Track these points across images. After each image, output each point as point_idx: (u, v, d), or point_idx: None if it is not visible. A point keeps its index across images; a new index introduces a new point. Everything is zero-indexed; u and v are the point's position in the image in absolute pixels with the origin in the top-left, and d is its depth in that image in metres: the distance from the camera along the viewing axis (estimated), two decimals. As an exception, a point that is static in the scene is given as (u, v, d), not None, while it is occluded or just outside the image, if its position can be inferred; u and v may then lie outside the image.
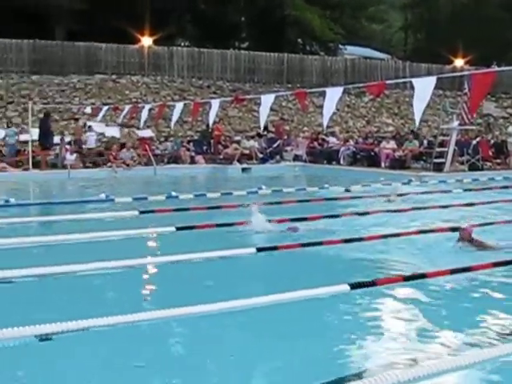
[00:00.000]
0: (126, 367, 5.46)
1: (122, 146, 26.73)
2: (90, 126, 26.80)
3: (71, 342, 5.88)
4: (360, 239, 10.68)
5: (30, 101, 27.58)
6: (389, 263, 9.16)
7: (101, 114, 24.84)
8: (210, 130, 28.84)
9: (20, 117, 28.65)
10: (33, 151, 24.03)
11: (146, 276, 9.03)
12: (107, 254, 9.15)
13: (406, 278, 8.04)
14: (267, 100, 16.64)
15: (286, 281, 8.10)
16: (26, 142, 24.75)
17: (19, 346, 5.76)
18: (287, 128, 32.28)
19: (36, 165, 23.97)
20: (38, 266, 8.22)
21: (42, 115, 26.15)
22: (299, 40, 47.93)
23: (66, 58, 33.18)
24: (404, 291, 7.71)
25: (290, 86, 36.84)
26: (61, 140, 25.24)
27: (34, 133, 24.54)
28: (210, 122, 21.02)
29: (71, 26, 37.61)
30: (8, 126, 26.87)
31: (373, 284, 7.66)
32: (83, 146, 26.26)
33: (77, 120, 28.97)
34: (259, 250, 9.55)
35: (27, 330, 5.87)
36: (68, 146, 25.56)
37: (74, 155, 24.98)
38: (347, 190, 18.07)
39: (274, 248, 9.83)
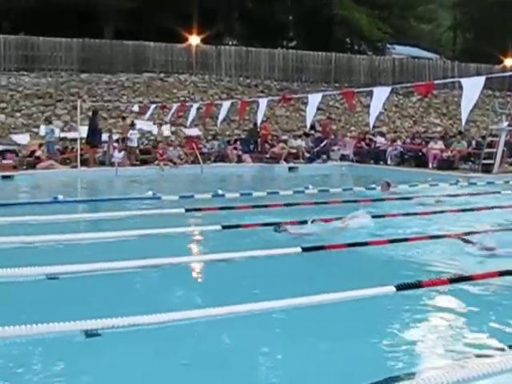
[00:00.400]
0: (170, 365, 5.49)
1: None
2: (133, 124, 26.88)
3: (114, 338, 5.92)
4: (405, 239, 10.61)
5: (79, 99, 27.81)
6: (434, 264, 9.06)
7: (148, 113, 24.95)
8: (257, 129, 28.82)
9: (69, 114, 28.93)
10: (81, 149, 24.23)
11: (191, 274, 9.04)
12: (153, 252, 9.22)
13: (453, 280, 7.96)
14: (314, 99, 16.58)
15: (332, 281, 8.07)
16: (74, 140, 25.01)
17: (67, 340, 5.83)
18: (334, 127, 32.20)
19: (84, 162, 24.19)
20: (84, 263, 8.30)
21: (90, 113, 26.39)
22: (347, 39, 47.78)
23: (115, 56, 33.54)
24: (450, 293, 7.64)
25: (337, 85, 36.79)
26: (109, 138, 25.47)
27: (83, 130, 24.76)
28: (258, 121, 20.99)
29: (120, 25, 37.96)
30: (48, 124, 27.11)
31: (419, 285, 7.60)
32: (128, 144, 26.42)
33: (124, 118, 29.18)
34: (305, 249, 9.53)
35: (75, 325, 5.93)
36: (116, 144, 25.75)
37: (122, 153, 25.13)
38: (388, 184, 17.79)
39: (320, 248, 9.79)
